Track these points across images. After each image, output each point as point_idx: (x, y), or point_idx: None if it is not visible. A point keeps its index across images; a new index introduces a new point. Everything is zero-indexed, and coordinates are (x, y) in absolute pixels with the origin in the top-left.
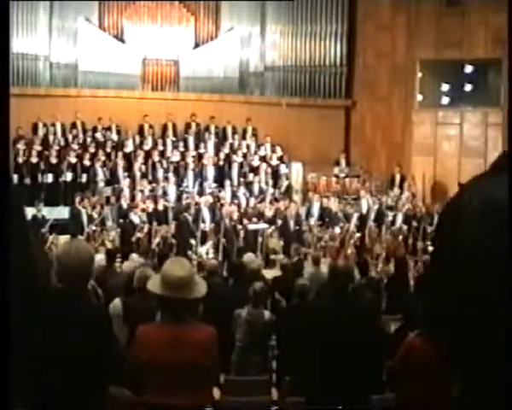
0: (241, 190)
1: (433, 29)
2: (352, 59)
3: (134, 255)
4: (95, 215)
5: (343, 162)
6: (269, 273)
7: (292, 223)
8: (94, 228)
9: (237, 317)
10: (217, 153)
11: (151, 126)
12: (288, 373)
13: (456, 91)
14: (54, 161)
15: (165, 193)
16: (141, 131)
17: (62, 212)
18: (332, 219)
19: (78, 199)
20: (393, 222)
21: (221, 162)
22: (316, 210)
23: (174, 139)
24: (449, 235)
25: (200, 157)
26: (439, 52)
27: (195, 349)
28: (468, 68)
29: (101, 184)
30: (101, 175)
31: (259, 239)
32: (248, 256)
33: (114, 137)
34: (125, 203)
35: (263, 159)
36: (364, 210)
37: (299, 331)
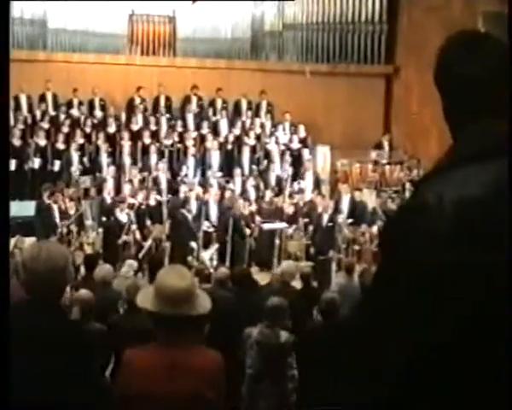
0: (254, 181)
1: None
2: (395, 14)
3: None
4: (71, 212)
5: (386, 146)
6: None
7: (325, 218)
8: (69, 228)
9: (247, 337)
10: (224, 134)
11: (144, 100)
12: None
13: None
14: (17, 143)
15: (158, 184)
16: (130, 107)
17: (28, 208)
18: (368, 217)
19: (47, 192)
20: None
21: (229, 146)
22: (345, 205)
23: (169, 117)
24: (411, 246)
25: (202, 139)
26: (505, 3)
27: (197, 379)
28: None
29: (78, 173)
30: (74, 162)
31: (277, 242)
32: (287, 266)
33: (99, 113)
34: (108, 197)
35: (281, 142)
36: None
37: (325, 357)
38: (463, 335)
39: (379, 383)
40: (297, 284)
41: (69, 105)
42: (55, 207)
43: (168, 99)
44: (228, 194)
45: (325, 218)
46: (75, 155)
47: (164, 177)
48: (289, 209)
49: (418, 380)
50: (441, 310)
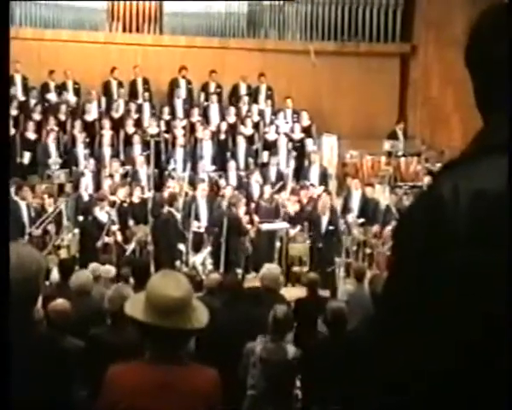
0: (252, 176)
1: None
2: None
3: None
4: (49, 209)
5: (401, 135)
6: (291, 292)
7: (325, 220)
8: (40, 229)
9: (249, 353)
10: (216, 123)
11: (121, 84)
12: None
13: None
14: None
15: (142, 179)
16: (107, 91)
17: None
18: (381, 216)
19: (13, 187)
20: None
21: (223, 136)
22: (355, 203)
23: (154, 103)
24: (423, 246)
25: (192, 128)
26: None
27: (191, 399)
28: None
29: (53, 167)
30: (52, 153)
31: (277, 244)
32: (268, 269)
33: (72, 98)
34: (86, 194)
35: (282, 131)
36: None
37: (331, 374)
38: (483, 334)
39: (392, 393)
40: (302, 291)
41: (44, 89)
42: (22, 204)
43: (146, 82)
44: (229, 191)
45: (329, 218)
46: (52, 146)
47: (149, 170)
48: (292, 208)
49: (437, 386)
50: (458, 312)
